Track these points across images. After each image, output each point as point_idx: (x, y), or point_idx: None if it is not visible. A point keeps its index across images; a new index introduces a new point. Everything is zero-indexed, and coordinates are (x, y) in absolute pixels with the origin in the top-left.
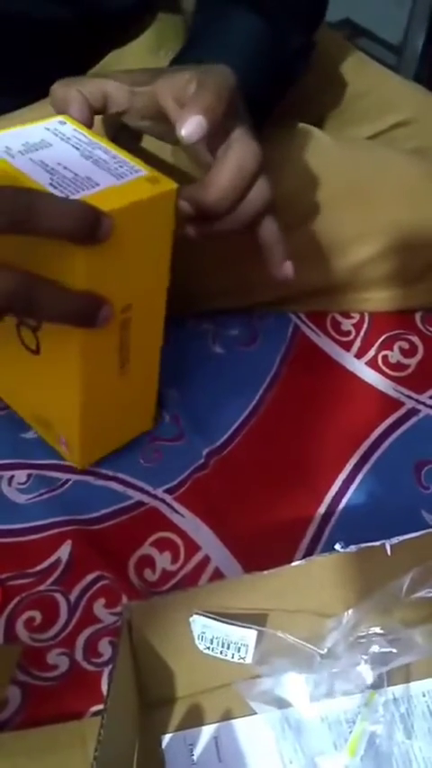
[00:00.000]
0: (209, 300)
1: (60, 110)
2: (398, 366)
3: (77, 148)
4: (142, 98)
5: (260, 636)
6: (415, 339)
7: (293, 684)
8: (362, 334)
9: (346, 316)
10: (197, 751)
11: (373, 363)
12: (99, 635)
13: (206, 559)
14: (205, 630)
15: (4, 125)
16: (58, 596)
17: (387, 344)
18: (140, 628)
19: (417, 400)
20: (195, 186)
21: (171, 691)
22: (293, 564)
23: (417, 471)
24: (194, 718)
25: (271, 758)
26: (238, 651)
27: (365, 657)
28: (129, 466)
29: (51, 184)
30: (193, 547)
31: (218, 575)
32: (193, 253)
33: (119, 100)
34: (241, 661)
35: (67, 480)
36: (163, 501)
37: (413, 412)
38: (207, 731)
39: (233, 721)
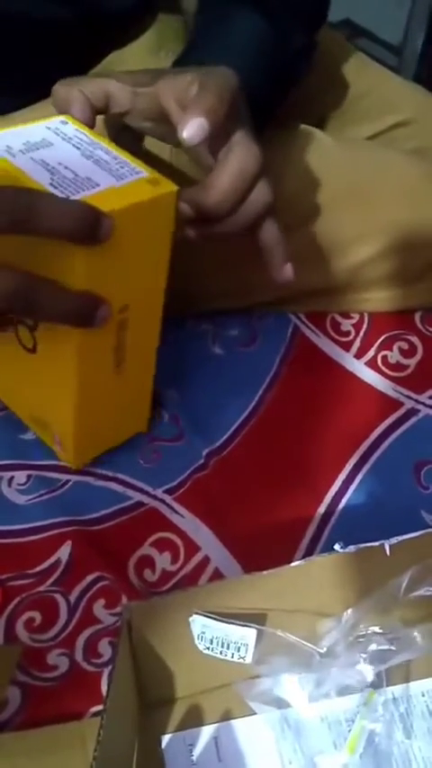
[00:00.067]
0: (208, 301)
1: (62, 109)
2: (397, 366)
3: (78, 148)
4: (144, 99)
5: (259, 636)
6: (414, 339)
7: (293, 684)
8: (361, 334)
9: (346, 316)
10: (197, 751)
11: (372, 364)
12: (99, 635)
13: (206, 560)
14: (205, 630)
15: (4, 126)
16: (58, 597)
17: (386, 345)
18: (140, 628)
19: (416, 400)
20: (196, 188)
21: (171, 691)
22: (293, 564)
23: (416, 471)
24: (194, 719)
25: (270, 758)
26: (238, 651)
27: (365, 656)
28: (128, 466)
29: (52, 184)
30: (192, 547)
31: (217, 575)
32: (192, 254)
33: (121, 100)
34: (241, 661)
35: (67, 481)
36: (163, 501)
37: (413, 412)
38: (207, 731)
39: (233, 721)
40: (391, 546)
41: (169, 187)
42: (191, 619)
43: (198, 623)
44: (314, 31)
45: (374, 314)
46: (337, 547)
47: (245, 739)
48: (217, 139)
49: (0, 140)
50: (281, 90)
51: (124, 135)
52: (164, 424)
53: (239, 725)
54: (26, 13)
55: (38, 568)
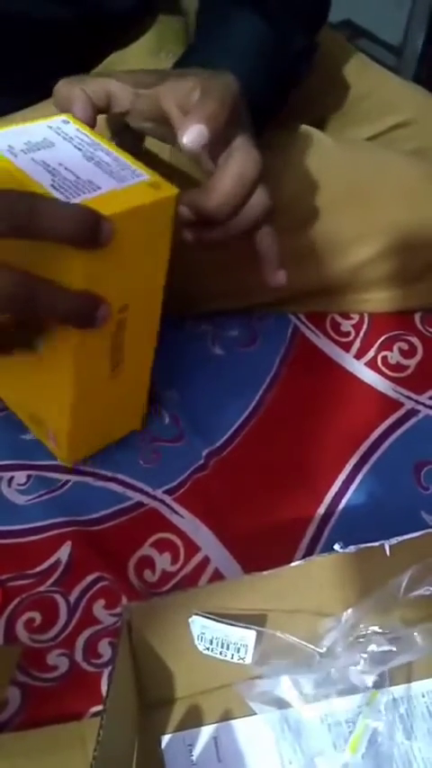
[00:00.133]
0: (208, 302)
1: (64, 108)
2: (397, 367)
3: (80, 149)
4: (145, 100)
5: (259, 636)
6: (414, 340)
7: (293, 685)
8: (361, 334)
9: (346, 316)
10: (196, 751)
11: (372, 364)
12: (99, 636)
13: (206, 560)
14: (205, 631)
15: (5, 126)
16: (58, 597)
17: (386, 345)
18: (140, 628)
19: (416, 401)
20: (196, 192)
21: (170, 691)
22: (293, 564)
23: (416, 472)
24: (194, 719)
25: (270, 758)
26: (238, 652)
27: (364, 657)
28: (128, 467)
29: (53, 186)
30: (192, 548)
31: (217, 575)
32: (192, 255)
33: (122, 100)
34: (241, 661)
35: (67, 481)
36: (162, 502)
37: (413, 412)
38: (206, 731)
39: (232, 722)
40: (391, 546)
41: (170, 191)
42: (191, 619)
43: (198, 624)
44: (314, 32)
45: (374, 314)
46: (336, 547)
47: (245, 739)
48: (217, 145)
49: (2, 139)
50: (281, 91)
51: (125, 134)
52: (164, 425)
53: (239, 725)
54: (26, 13)
55: (38, 569)
